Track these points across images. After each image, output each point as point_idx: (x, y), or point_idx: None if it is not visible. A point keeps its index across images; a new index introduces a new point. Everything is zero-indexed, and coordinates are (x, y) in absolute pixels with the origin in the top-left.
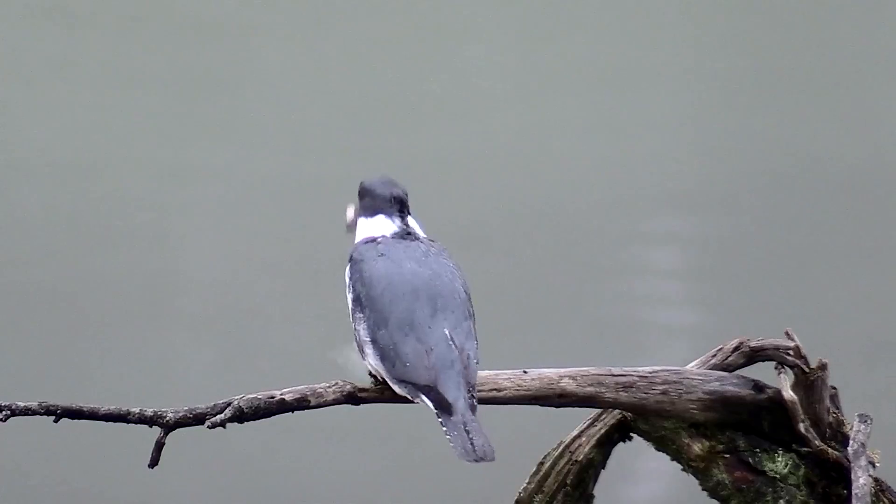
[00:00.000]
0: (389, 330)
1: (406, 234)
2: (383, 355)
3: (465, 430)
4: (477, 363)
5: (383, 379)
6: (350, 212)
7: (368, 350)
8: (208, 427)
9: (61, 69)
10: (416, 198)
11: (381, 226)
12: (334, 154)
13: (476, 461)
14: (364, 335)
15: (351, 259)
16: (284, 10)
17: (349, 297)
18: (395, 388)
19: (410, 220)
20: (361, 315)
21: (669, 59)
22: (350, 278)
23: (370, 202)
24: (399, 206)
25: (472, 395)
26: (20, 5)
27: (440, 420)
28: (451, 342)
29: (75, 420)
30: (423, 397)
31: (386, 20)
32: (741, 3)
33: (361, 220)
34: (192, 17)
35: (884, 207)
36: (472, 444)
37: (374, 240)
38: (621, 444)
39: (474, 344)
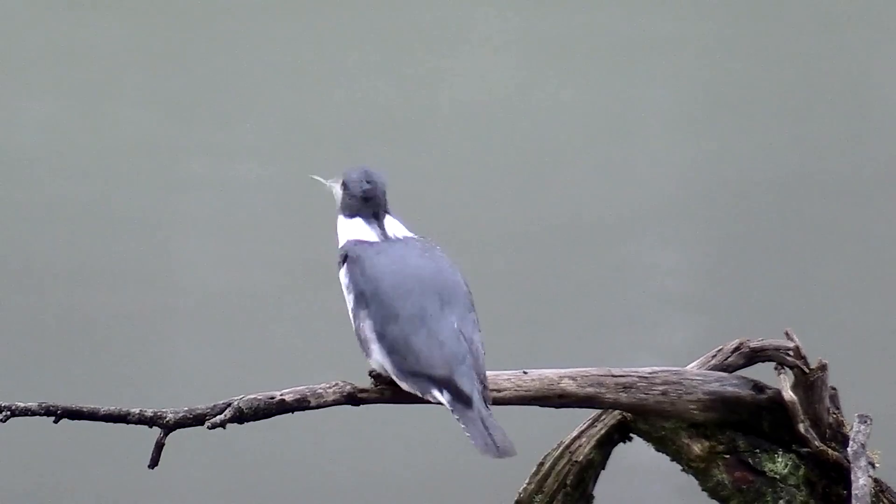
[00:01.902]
0: (400, 324)
1: (386, 238)
2: (392, 350)
3: (484, 425)
4: (484, 353)
5: (388, 376)
6: (337, 188)
7: (374, 346)
8: (208, 427)
9: (57, 80)
10: (417, 199)
11: (362, 230)
12: (333, 158)
13: (499, 456)
14: (369, 332)
15: (346, 258)
16: (281, 19)
17: (349, 296)
18: (404, 384)
19: (388, 224)
20: (366, 312)
21: (669, 69)
22: (349, 278)
23: (348, 200)
24: (373, 210)
25: (485, 387)
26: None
27: (456, 416)
28: (460, 335)
29: (75, 420)
30: (436, 391)
31: (389, 27)
32: (731, 20)
33: (341, 219)
34: (187, 26)
35: (884, 208)
36: (492, 438)
37: (361, 242)
38: (621, 444)
39: (480, 335)
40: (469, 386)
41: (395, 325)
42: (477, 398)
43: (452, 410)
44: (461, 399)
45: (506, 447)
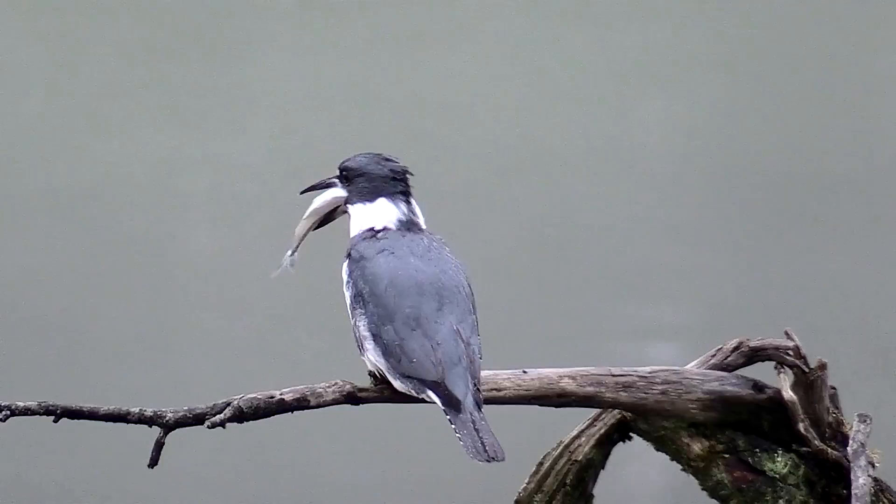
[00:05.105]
0: (395, 326)
1: (410, 223)
2: (387, 351)
3: (475, 429)
4: (480, 358)
5: (383, 375)
6: (325, 199)
7: (369, 345)
8: (208, 427)
9: (55, 73)
10: (418, 200)
11: (384, 212)
12: (335, 158)
13: (487, 461)
14: (364, 331)
15: (349, 256)
16: (283, 10)
17: (348, 294)
18: (397, 383)
19: (415, 204)
20: (362, 311)
21: (668, 71)
22: (349, 275)
23: (366, 185)
24: (403, 185)
25: (479, 390)
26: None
27: (448, 418)
28: (457, 336)
29: (75, 420)
30: (431, 393)
31: (392, 30)
32: (730, 28)
33: (358, 207)
34: (190, 16)
35: (884, 207)
36: (482, 443)
37: (374, 233)
38: (621, 443)
39: (478, 339)
40: (461, 390)
41: (390, 326)
42: (469, 402)
43: (445, 412)
44: (452, 403)
45: (495, 452)
